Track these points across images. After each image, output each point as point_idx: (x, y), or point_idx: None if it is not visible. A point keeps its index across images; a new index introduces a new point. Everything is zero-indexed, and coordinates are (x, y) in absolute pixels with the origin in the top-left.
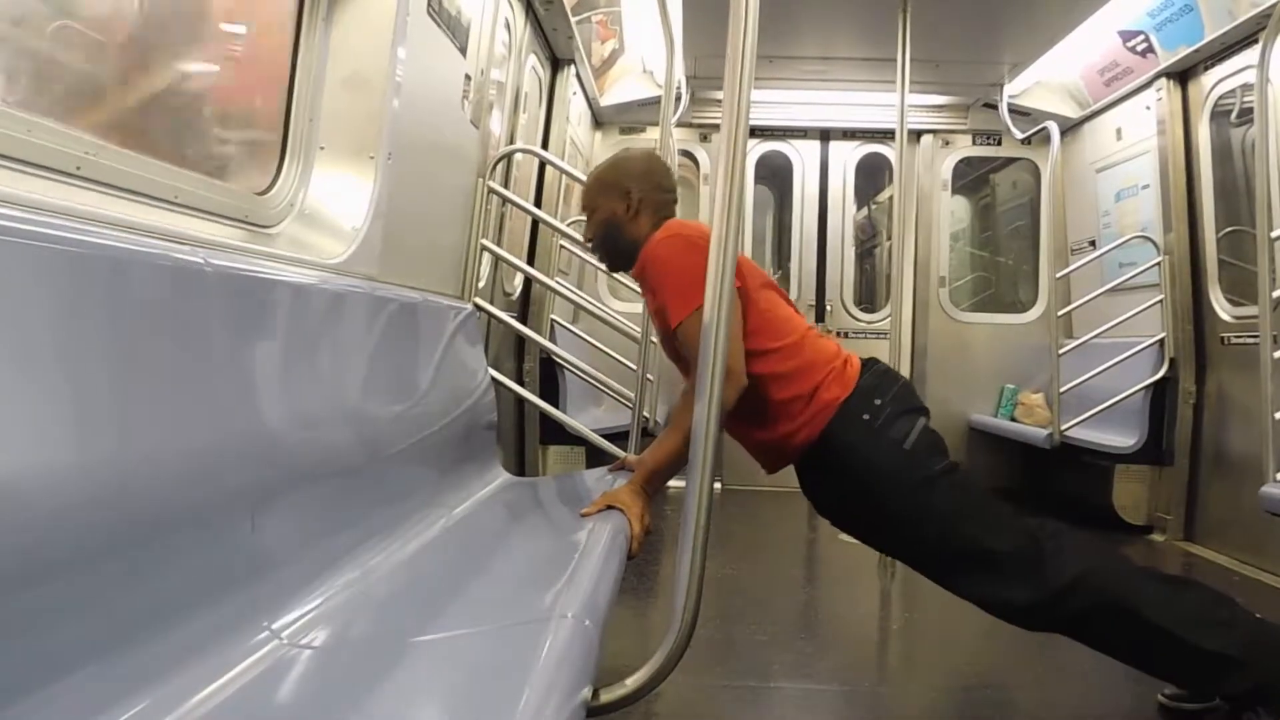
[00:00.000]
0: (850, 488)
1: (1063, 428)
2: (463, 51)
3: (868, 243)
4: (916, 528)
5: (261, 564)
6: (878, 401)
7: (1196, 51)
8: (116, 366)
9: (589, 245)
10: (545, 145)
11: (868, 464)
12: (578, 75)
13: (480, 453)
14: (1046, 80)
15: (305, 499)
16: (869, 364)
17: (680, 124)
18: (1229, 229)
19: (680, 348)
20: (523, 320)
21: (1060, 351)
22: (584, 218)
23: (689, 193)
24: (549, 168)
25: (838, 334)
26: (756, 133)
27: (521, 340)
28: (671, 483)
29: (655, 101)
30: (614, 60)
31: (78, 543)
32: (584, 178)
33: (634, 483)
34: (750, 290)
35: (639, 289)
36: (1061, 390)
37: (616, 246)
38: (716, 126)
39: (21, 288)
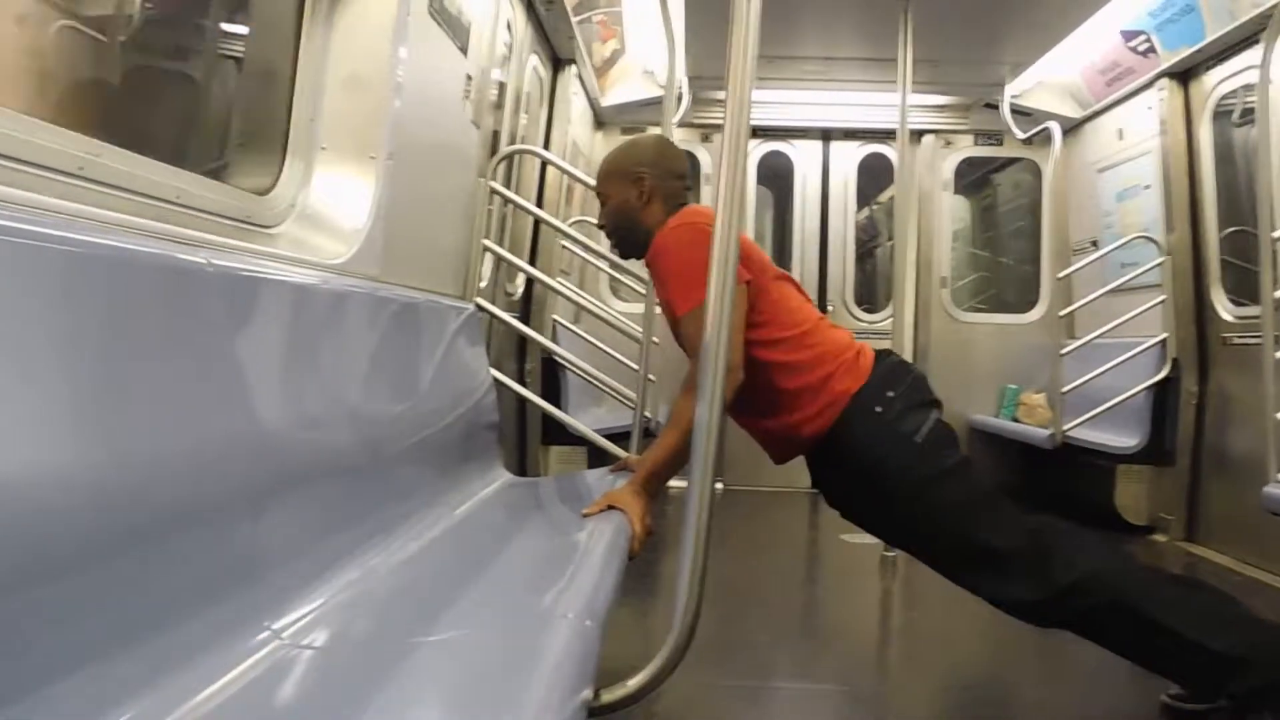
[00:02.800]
0: (860, 481)
1: (1064, 428)
2: (464, 51)
3: (869, 243)
4: (926, 522)
5: (261, 564)
6: (890, 394)
7: (1198, 52)
8: (118, 367)
9: (603, 230)
10: (547, 145)
11: (878, 457)
12: (579, 75)
13: (481, 453)
14: (1048, 80)
15: (306, 499)
16: (882, 355)
17: (681, 124)
18: (1231, 229)
19: (681, 338)
20: (524, 320)
21: (1062, 352)
22: (585, 218)
23: (691, 195)
24: (550, 168)
25: None
26: (758, 133)
27: (523, 340)
28: (672, 483)
29: (656, 102)
30: (615, 60)
31: (78, 543)
32: (586, 178)
33: (635, 483)
34: (764, 283)
35: (646, 280)
36: (1063, 390)
37: (630, 234)
38: (718, 127)
39: (23, 288)
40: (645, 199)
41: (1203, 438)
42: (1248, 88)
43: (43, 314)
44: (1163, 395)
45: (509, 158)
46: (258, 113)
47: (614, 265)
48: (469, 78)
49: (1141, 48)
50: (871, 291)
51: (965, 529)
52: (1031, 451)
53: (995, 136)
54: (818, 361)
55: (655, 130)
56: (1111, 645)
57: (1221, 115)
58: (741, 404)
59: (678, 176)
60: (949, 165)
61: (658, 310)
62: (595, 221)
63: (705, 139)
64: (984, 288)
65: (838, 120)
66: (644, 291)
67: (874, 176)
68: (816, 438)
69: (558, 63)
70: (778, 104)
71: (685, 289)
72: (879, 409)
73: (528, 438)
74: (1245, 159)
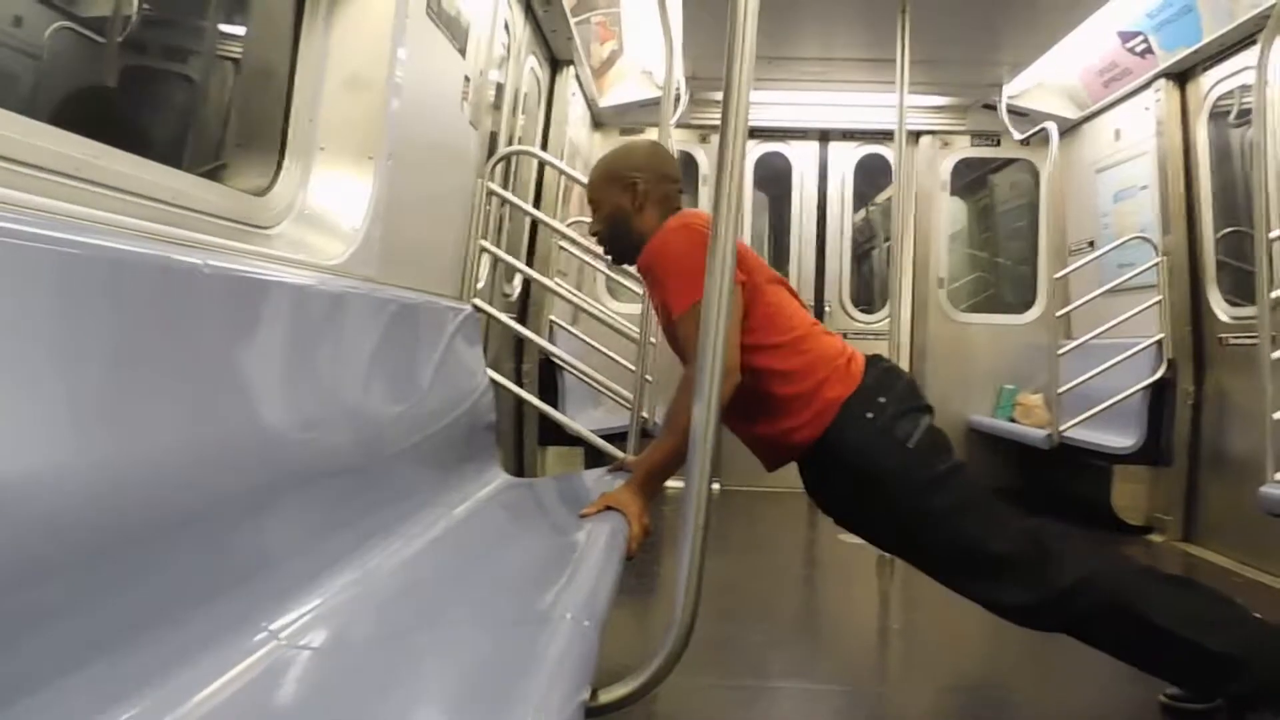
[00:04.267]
0: (853, 487)
1: (1061, 428)
2: (462, 52)
3: (867, 243)
4: (920, 528)
5: (261, 564)
6: (881, 400)
7: (1195, 52)
8: (116, 368)
9: (596, 238)
10: (544, 146)
11: (871, 464)
12: (577, 76)
13: (479, 453)
14: (1046, 81)
15: (305, 499)
16: (873, 361)
17: (679, 125)
18: (1227, 230)
19: (677, 341)
20: (522, 321)
21: (1059, 352)
22: (583, 218)
23: (689, 196)
24: (548, 169)
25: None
26: (756, 134)
27: (520, 341)
28: (670, 483)
29: (654, 102)
30: (613, 61)
31: (77, 543)
32: (583, 179)
33: (632, 483)
34: (758, 285)
35: (642, 283)
36: (1060, 391)
37: (624, 240)
38: (716, 127)
39: (21, 289)
40: (639, 204)
41: (1199, 438)
42: (1244, 88)
43: (40, 315)
44: (1159, 396)
45: (506, 158)
46: (256, 113)
47: (611, 266)
48: (467, 79)
49: (1139, 48)
50: (869, 292)
51: (960, 534)
52: (1028, 452)
53: (993, 137)
54: (810, 368)
55: (654, 131)
56: (1109, 648)
57: (1218, 116)
58: (733, 409)
59: (671, 180)
60: (946, 166)
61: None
62: (589, 226)
63: (703, 140)
64: (981, 288)
65: (835, 121)
66: (640, 292)
67: (871, 177)
68: (808, 445)
69: (556, 63)
70: (776, 105)
71: (682, 289)
72: (870, 415)
73: (525, 438)
74: (1242, 160)
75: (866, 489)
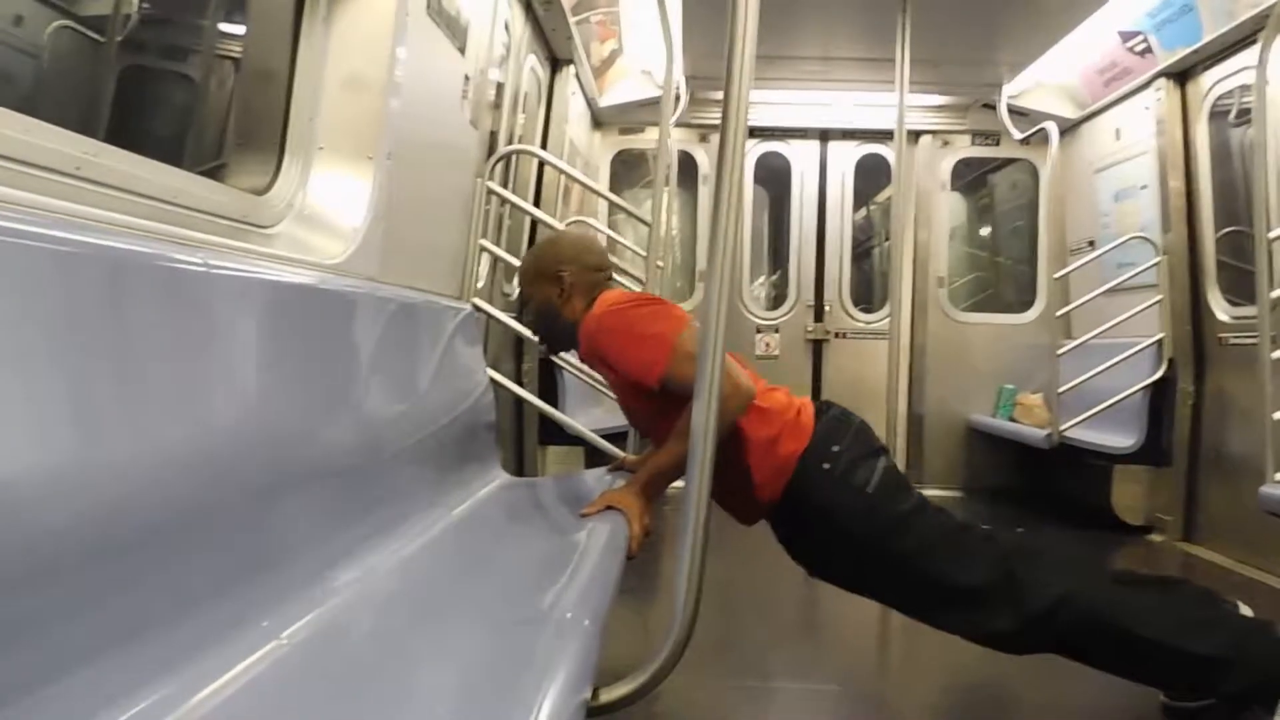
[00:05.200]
0: (820, 539)
1: (1061, 428)
2: (462, 51)
3: (866, 243)
4: (891, 571)
5: (261, 564)
6: (835, 449)
7: (1195, 52)
8: (116, 367)
9: (529, 327)
10: (544, 145)
11: (834, 515)
12: (577, 75)
13: (479, 453)
14: (1045, 81)
15: (305, 499)
16: (822, 409)
17: (679, 124)
18: (1227, 229)
19: (678, 390)
20: (521, 320)
21: (1059, 352)
22: (584, 217)
23: (688, 195)
24: (548, 168)
25: (836, 335)
26: (755, 133)
27: (520, 340)
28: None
29: (654, 102)
30: (613, 60)
31: (77, 543)
32: (584, 178)
33: (634, 483)
34: None
35: (644, 281)
36: (1060, 390)
37: (555, 329)
38: (716, 127)
39: (21, 288)
40: (566, 295)
41: (1199, 438)
42: (1244, 88)
43: (40, 314)
44: (1159, 395)
45: (506, 158)
46: (255, 112)
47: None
48: (467, 78)
49: (1139, 48)
50: (868, 291)
51: (931, 571)
52: (1028, 451)
53: (993, 137)
54: (764, 423)
55: (654, 130)
56: (1095, 663)
57: (1218, 115)
58: None
59: (596, 270)
60: (946, 165)
61: None
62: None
63: (703, 139)
64: (981, 288)
65: (835, 120)
66: (643, 290)
67: (871, 176)
68: (773, 501)
69: (555, 62)
70: (776, 104)
71: (650, 345)
72: (827, 466)
73: (525, 438)
74: (1242, 159)
75: (833, 538)
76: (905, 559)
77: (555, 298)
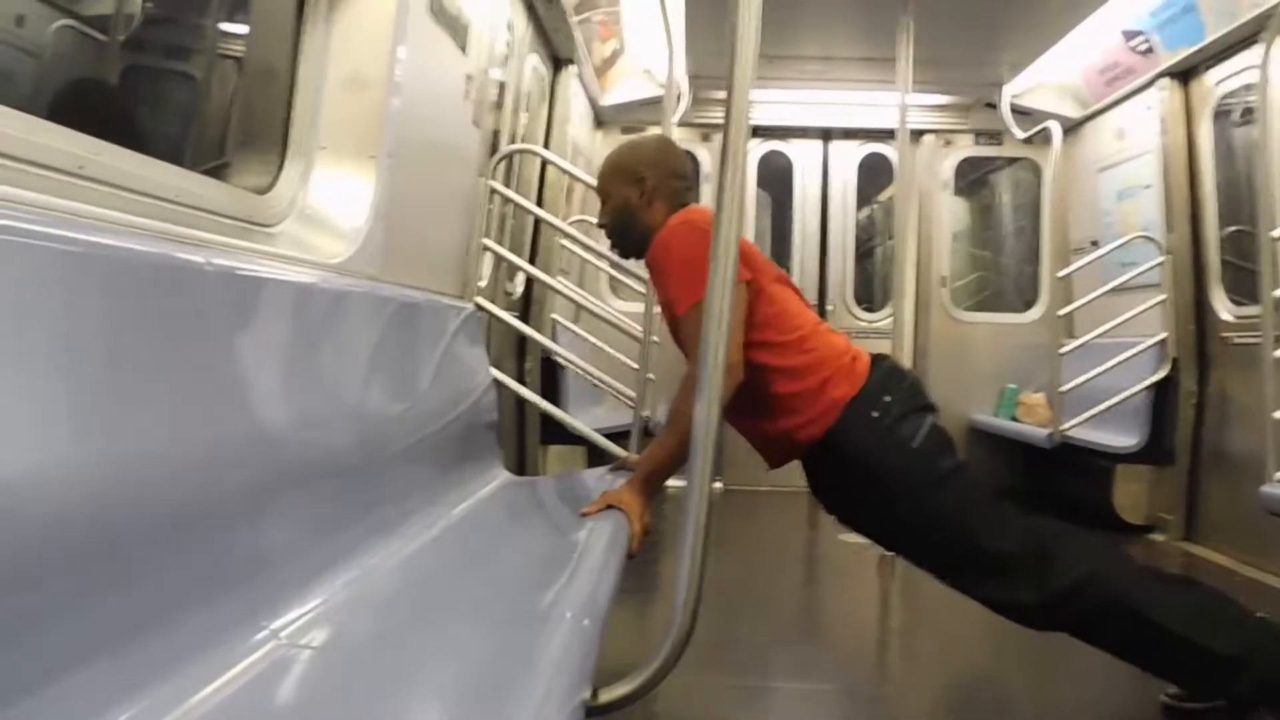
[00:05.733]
0: (857, 487)
1: (1063, 427)
2: (464, 51)
3: (869, 242)
4: (924, 528)
5: (261, 564)
6: (886, 399)
7: (1198, 51)
8: (117, 366)
9: (603, 229)
10: (547, 145)
11: (876, 463)
12: (579, 75)
13: (481, 452)
14: (1048, 80)
15: (305, 499)
16: (878, 360)
17: (681, 124)
18: (1231, 229)
19: (681, 337)
20: (524, 320)
21: (1061, 351)
22: (585, 217)
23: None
24: (550, 167)
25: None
26: (758, 132)
27: (523, 340)
28: (671, 482)
29: (656, 101)
30: (615, 60)
31: (77, 542)
32: (586, 177)
33: (634, 482)
34: (764, 284)
35: (646, 279)
36: (1062, 390)
37: (630, 233)
38: (718, 126)
39: (22, 288)
40: (647, 199)
41: (1202, 437)
42: (1248, 88)
43: (42, 313)
44: (1162, 395)
45: (509, 157)
46: (257, 112)
47: (614, 264)
48: (469, 77)
49: (1141, 47)
50: (871, 291)
51: (963, 533)
52: (1031, 451)
53: (995, 136)
54: (814, 366)
55: (655, 129)
56: (1110, 647)
57: (1222, 115)
58: (737, 407)
59: (679, 177)
60: (949, 165)
61: (657, 310)
62: (595, 221)
63: (705, 138)
64: (984, 287)
65: (837, 120)
66: (644, 291)
67: (874, 176)
68: (812, 443)
69: (557, 62)
70: (778, 103)
71: (686, 286)
72: (875, 414)
73: (527, 437)
74: (1245, 159)
75: (870, 488)
76: (938, 517)
77: (635, 199)
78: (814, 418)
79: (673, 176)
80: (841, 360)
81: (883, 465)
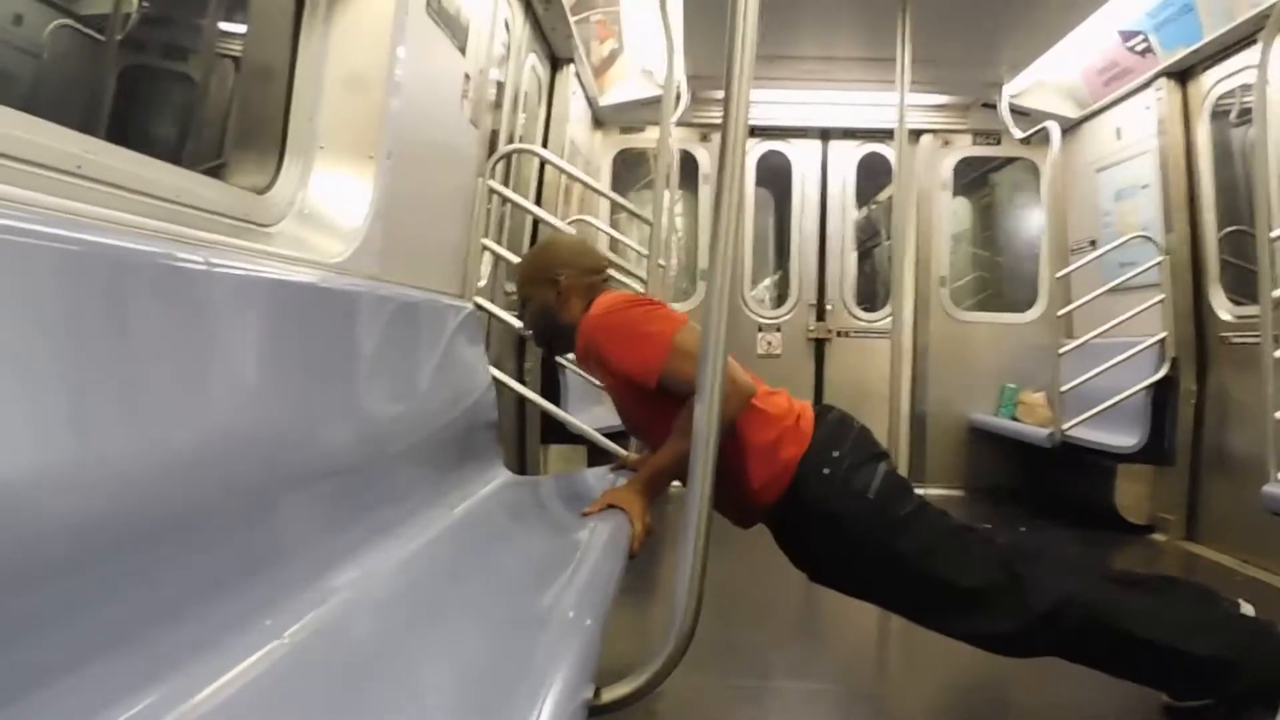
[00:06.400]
0: (821, 542)
1: (1064, 427)
2: (462, 51)
3: (868, 242)
4: (892, 576)
5: (262, 563)
6: (836, 454)
7: (1196, 52)
8: (116, 366)
9: (528, 333)
10: (545, 144)
11: (835, 518)
12: (577, 75)
13: (481, 452)
14: (1046, 80)
15: (305, 499)
16: (822, 413)
17: (680, 123)
18: (1229, 229)
19: (675, 389)
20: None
21: (1061, 351)
22: (585, 216)
23: (690, 195)
24: (549, 167)
25: (838, 334)
26: (756, 132)
27: (522, 339)
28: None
29: (655, 101)
30: (613, 60)
31: (77, 542)
32: (584, 177)
33: (635, 482)
34: None
35: (646, 279)
36: (1062, 390)
37: (553, 332)
38: (717, 126)
39: (20, 287)
40: (564, 297)
41: (1202, 437)
42: (1245, 88)
43: (40, 313)
44: (1162, 395)
45: (507, 157)
46: (256, 111)
47: (614, 264)
48: (467, 77)
49: (1139, 48)
50: (870, 291)
51: (933, 574)
52: (1031, 451)
53: (994, 136)
54: (761, 430)
55: (654, 129)
56: (1096, 664)
57: (1219, 115)
58: None
59: (594, 272)
60: (947, 165)
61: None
62: (521, 326)
63: (704, 138)
64: (983, 287)
65: (836, 120)
66: (644, 291)
67: (873, 176)
68: (771, 506)
69: (556, 62)
70: (777, 103)
71: (646, 344)
72: (827, 471)
73: (527, 436)
74: (1243, 159)
75: (833, 542)
76: (906, 562)
77: (552, 300)
78: (769, 481)
79: (587, 273)
80: (786, 420)
81: (842, 518)
